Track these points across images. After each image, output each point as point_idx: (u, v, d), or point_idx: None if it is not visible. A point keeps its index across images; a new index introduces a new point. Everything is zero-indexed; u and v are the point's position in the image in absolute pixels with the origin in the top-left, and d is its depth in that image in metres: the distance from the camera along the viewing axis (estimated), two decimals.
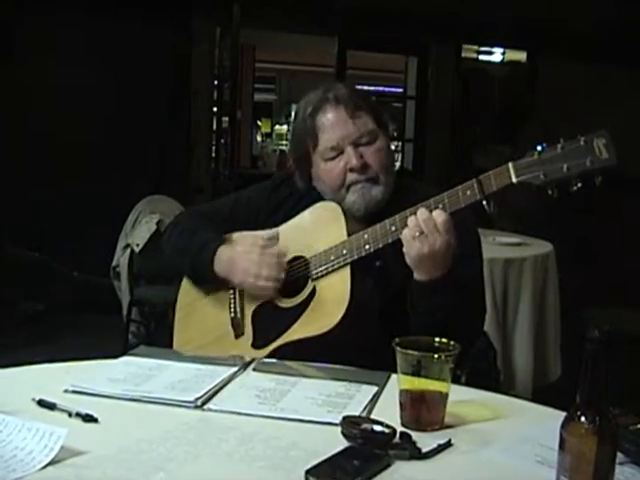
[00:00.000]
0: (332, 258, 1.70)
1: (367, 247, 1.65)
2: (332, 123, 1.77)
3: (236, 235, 1.85)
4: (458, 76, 7.55)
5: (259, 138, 11.58)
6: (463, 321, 1.61)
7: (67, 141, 5.49)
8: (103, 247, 4.61)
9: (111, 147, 5.67)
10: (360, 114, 1.78)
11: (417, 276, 1.59)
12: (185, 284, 1.97)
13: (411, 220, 1.56)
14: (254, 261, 1.75)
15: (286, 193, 1.93)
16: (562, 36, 6.87)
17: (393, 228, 1.62)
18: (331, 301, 1.68)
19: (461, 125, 7.55)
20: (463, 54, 7.64)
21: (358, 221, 1.77)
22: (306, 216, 1.83)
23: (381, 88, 10.08)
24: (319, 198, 1.84)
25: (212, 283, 1.87)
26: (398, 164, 7.18)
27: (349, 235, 1.70)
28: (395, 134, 7.58)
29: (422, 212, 1.55)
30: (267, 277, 1.74)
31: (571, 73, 7.13)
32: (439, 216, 1.54)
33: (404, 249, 1.57)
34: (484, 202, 1.53)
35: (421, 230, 1.53)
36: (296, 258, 1.79)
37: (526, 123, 7.07)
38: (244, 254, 1.77)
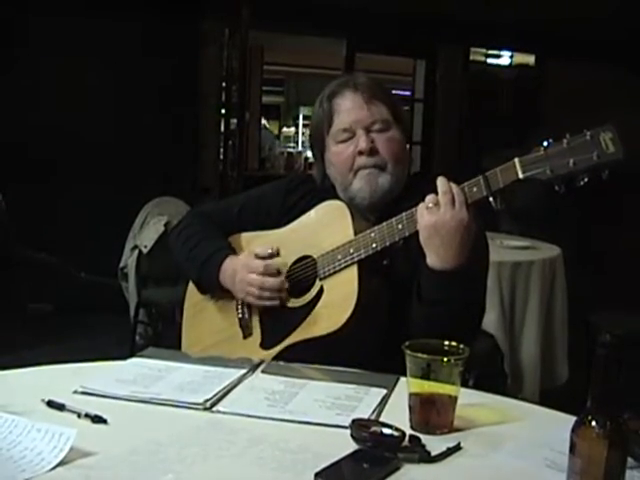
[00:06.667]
0: (339, 257, 1.70)
1: (374, 246, 1.65)
2: (348, 106, 1.79)
3: (241, 251, 1.87)
4: (466, 79, 7.54)
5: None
6: (462, 319, 1.60)
7: (74, 142, 5.50)
8: (111, 248, 4.61)
9: (119, 148, 5.68)
10: (376, 102, 1.78)
11: (428, 260, 1.57)
12: (192, 283, 1.98)
13: (430, 195, 1.56)
14: (255, 284, 1.76)
15: (301, 194, 1.93)
16: (570, 38, 6.86)
17: (400, 226, 1.62)
18: (338, 301, 1.68)
19: (469, 128, 7.53)
20: (471, 57, 7.64)
21: (365, 219, 1.76)
22: (312, 215, 1.82)
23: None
24: (332, 198, 1.83)
25: (217, 292, 1.89)
26: None
27: (356, 234, 1.70)
28: None
29: (442, 182, 1.55)
30: (269, 298, 1.77)
31: (579, 76, 7.12)
32: (456, 190, 1.54)
33: (417, 225, 1.57)
34: (490, 199, 1.53)
35: (436, 201, 1.53)
36: (303, 257, 1.79)
37: (535, 127, 7.05)
38: (246, 272, 1.78)
